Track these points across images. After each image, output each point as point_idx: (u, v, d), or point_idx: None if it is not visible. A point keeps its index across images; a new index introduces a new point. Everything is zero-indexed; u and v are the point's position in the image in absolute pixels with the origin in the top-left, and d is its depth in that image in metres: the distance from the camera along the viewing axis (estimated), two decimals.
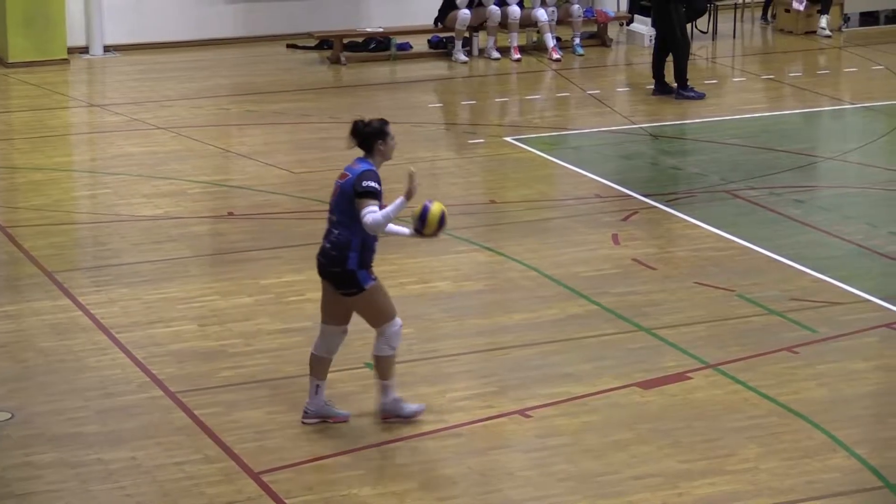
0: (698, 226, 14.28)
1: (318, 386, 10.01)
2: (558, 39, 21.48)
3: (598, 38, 22.26)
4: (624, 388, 10.63)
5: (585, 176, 15.93)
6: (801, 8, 22.51)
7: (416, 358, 11.09)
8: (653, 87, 19.31)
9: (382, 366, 9.96)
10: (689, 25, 19.65)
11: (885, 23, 23.27)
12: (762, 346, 11.38)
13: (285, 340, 11.44)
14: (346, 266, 9.71)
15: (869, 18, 23.29)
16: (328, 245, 9.80)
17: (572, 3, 21.61)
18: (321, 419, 10.02)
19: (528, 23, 21.48)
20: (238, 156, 16.76)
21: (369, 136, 10.05)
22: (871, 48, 21.76)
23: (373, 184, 9.72)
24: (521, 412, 10.16)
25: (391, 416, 10.03)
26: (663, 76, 19.18)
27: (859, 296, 12.43)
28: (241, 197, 15.29)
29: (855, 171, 16.29)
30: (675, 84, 19.07)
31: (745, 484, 9.15)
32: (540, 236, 14.05)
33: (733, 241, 13.81)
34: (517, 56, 21.22)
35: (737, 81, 20.33)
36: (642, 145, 17.35)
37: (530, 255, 13.42)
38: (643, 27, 21.45)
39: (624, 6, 22.57)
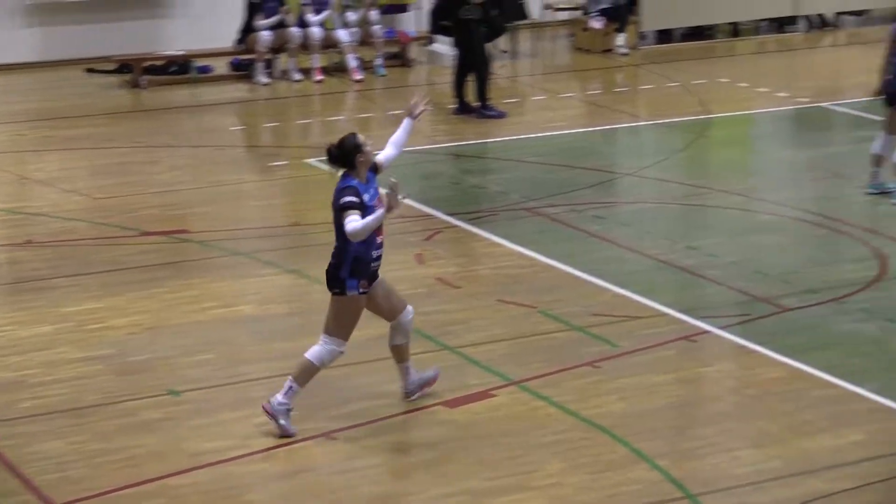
0: (500, 244, 14.40)
1: (406, 367, 10.71)
2: (360, 60, 21.54)
3: (400, 59, 22.39)
4: (430, 407, 10.67)
5: None
6: (599, 26, 22.84)
7: (219, 383, 11.02)
8: (455, 106, 19.44)
9: (306, 372, 10.31)
10: (489, 44, 19.79)
11: (681, 40, 23.71)
12: (565, 361, 11.50)
13: (86, 369, 11.28)
14: (339, 273, 10.31)
15: (664, 36, 23.74)
16: (332, 260, 10.45)
17: (373, 24, 21.69)
18: (420, 388, 10.74)
19: (329, 44, 21.53)
20: (35, 182, 16.52)
21: (347, 154, 10.55)
22: (667, 65, 22.15)
23: (350, 198, 10.19)
24: (327, 434, 10.16)
25: (270, 415, 10.18)
26: (465, 95, 19.33)
27: (658, 309, 12.63)
28: (40, 224, 15.07)
29: (653, 186, 16.57)
30: (477, 103, 19.23)
31: (549, 499, 9.24)
32: None
33: (535, 259, 13.95)
34: (319, 77, 21.25)
35: (537, 100, 20.55)
36: (445, 164, 17.47)
37: None
38: (444, 47, 21.58)
39: (425, 26, 22.70)
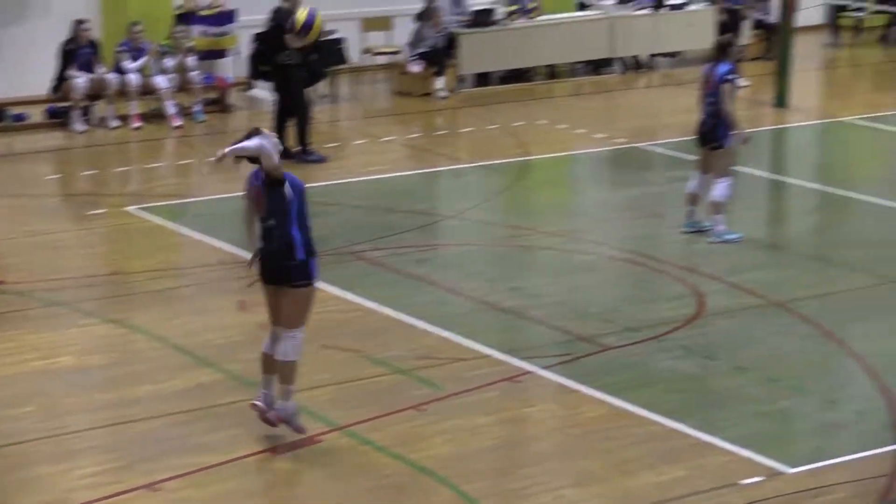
0: (324, 289, 14.28)
1: (271, 380, 10.76)
2: (179, 106, 21.41)
3: (220, 104, 22.29)
4: (256, 454, 10.60)
5: (211, 244, 15.88)
6: (418, 70, 22.97)
7: (38, 437, 10.83)
8: None
9: (290, 371, 10.62)
10: (308, 89, 19.78)
11: (499, 83, 23.91)
12: (390, 405, 11.50)
13: None
14: (293, 259, 10.54)
15: (483, 79, 23.92)
16: (274, 247, 10.47)
17: (191, 70, 21.58)
18: (281, 421, 10.69)
19: (147, 90, 21.36)
20: None
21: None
22: (487, 108, 22.33)
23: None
24: (150, 486, 10.02)
25: (282, 422, 10.62)
26: (285, 140, 19.27)
27: (482, 351, 12.68)
28: None
29: (475, 228, 16.67)
30: (298, 148, 19.21)
31: None
32: (166, 306, 13.93)
33: (359, 303, 13.94)
34: (137, 124, 21.08)
35: (358, 144, 20.58)
36: None
37: (157, 325, 13.29)
38: (264, 92, 21.54)
39: (244, 71, 22.62)
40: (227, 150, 10.23)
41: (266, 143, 10.15)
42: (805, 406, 11.75)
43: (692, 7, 25.09)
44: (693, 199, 15.89)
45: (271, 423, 10.78)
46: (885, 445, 10.88)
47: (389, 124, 21.86)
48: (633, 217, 17.11)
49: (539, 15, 24.20)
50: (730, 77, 15.47)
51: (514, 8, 24.05)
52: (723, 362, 12.55)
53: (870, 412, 11.49)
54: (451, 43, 23.31)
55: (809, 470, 10.50)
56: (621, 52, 24.68)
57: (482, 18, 23.60)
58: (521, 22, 23.93)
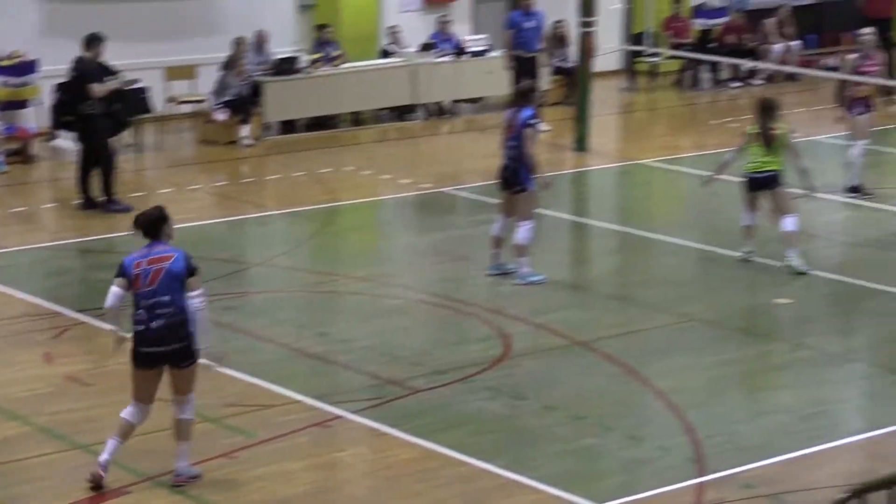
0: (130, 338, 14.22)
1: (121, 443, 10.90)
2: None
3: (22, 155, 21.96)
4: None
5: (14, 295, 15.62)
6: (223, 118, 22.90)
7: None
8: (80, 201, 19.18)
9: (187, 429, 10.87)
10: (112, 139, 19.59)
11: (305, 130, 23.92)
12: (200, 454, 11.38)
13: None
14: (192, 340, 10.77)
15: (288, 126, 23.90)
16: (164, 327, 10.59)
17: None
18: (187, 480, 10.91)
19: None
20: None
21: (155, 222, 10.80)
22: (293, 155, 22.31)
23: (196, 265, 10.87)
24: None
25: (185, 480, 10.84)
26: (90, 190, 19.11)
27: (292, 397, 12.65)
28: None
29: (283, 275, 16.65)
30: (103, 198, 19.03)
31: None
32: None
33: None
34: None
35: (164, 192, 20.38)
36: (72, 261, 17.21)
37: None
38: (67, 142, 21.28)
39: (46, 122, 22.31)
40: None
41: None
42: (610, 443, 11.91)
43: (492, 54, 25.34)
44: (497, 243, 16.05)
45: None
46: (688, 479, 11.09)
47: (195, 173, 21.74)
48: (439, 261, 17.22)
49: (343, 62, 24.27)
50: (532, 122, 15.68)
51: (317, 56, 24.10)
52: (530, 402, 12.68)
53: (673, 447, 11.70)
54: (255, 91, 23.28)
55: None
56: (424, 99, 24.86)
57: (286, 67, 23.60)
58: (325, 70, 23.98)
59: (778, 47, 27.61)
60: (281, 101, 23.48)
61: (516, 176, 15.78)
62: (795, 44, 28.10)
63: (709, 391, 12.99)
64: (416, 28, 25.44)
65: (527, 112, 15.70)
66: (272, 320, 14.87)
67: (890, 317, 15.23)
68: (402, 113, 25.01)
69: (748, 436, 11.93)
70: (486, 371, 13.37)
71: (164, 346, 10.68)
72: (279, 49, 24.04)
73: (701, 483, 11.03)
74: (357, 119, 24.71)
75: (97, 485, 10.71)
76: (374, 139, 23.96)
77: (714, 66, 26.85)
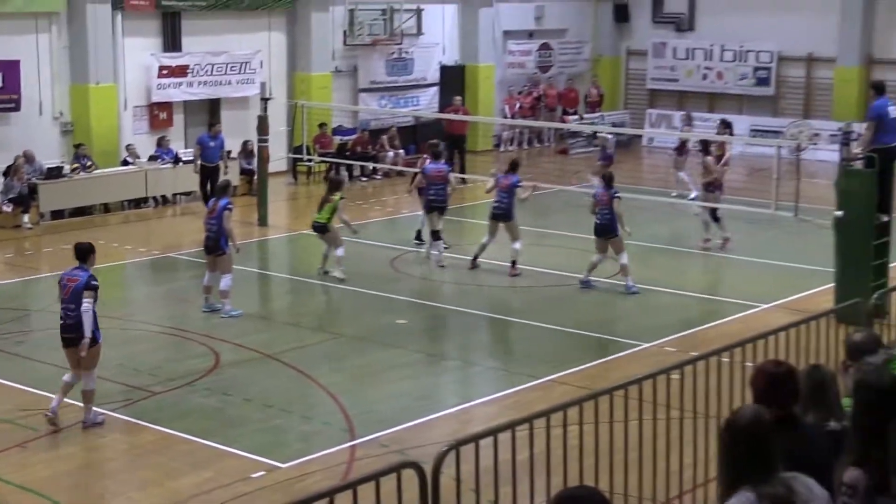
0: None
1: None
2: None
3: None
4: None
5: None
6: (9, 210, 21.86)
7: None
8: None
9: (91, 396, 11.38)
10: None
11: (71, 216, 23.00)
12: (1, 444, 10.87)
13: None
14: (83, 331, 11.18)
15: (58, 214, 22.93)
16: (72, 323, 11.22)
17: None
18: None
19: None
20: None
21: (86, 252, 11.48)
22: (61, 234, 21.35)
23: (95, 282, 11.34)
24: None
25: (91, 425, 11.32)
26: None
27: (67, 402, 12.03)
28: None
29: (57, 317, 15.90)
30: None
31: None
32: None
33: None
34: None
35: None
36: None
37: None
38: None
39: None
40: None
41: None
42: (291, 422, 11.84)
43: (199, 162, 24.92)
44: (207, 290, 15.78)
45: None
46: (344, 443, 11.12)
47: None
48: (168, 303, 16.84)
49: (95, 169, 23.47)
50: (229, 207, 15.50)
51: (76, 165, 23.24)
52: (234, 397, 12.51)
53: (333, 422, 11.72)
54: (32, 190, 22.26)
55: (295, 464, 10.60)
56: (153, 193, 24.23)
57: (54, 173, 22.69)
58: (82, 174, 23.13)
59: (390, 154, 28.02)
60: (52, 196, 22.55)
61: (217, 243, 15.55)
62: (401, 152, 28.56)
63: (355, 383, 13.06)
64: (145, 144, 24.83)
65: (224, 200, 15.55)
66: (50, 349, 14.13)
67: (468, 328, 15.60)
68: (138, 203, 24.31)
69: (383, 412, 12.04)
70: (203, 377, 13.14)
71: (72, 336, 11.40)
72: (48, 161, 23.09)
73: (353, 445, 11.07)
74: (107, 208, 23.87)
75: (54, 423, 11.24)
76: (119, 221, 23.16)
77: (349, 167, 27.09)
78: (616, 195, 16.95)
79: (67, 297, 11.28)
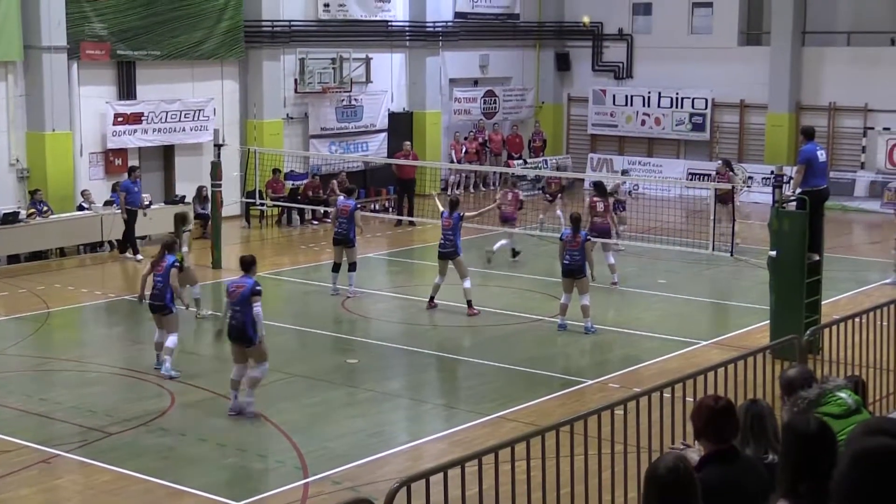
0: None
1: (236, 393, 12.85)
2: None
3: None
4: None
5: None
6: None
7: None
8: None
9: (256, 382, 12.94)
10: None
11: (26, 261, 22.71)
12: None
13: None
14: (249, 332, 12.73)
15: (14, 258, 22.63)
16: (236, 324, 12.79)
17: None
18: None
19: None
20: None
21: (250, 264, 13.18)
22: (17, 278, 21.10)
23: (259, 287, 12.96)
24: None
25: (247, 412, 12.75)
26: None
27: (22, 443, 11.96)
28: None
29: (13, 360, 15.67)
30: None
31: None
32: None
33: None
34: None
35: None
36: None
37: None
38: None
39: None
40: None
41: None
42: (244, 460, 11.74)
43: (154, 206, 24.81)
44: (158, 346, 14.80)
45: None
46: (297, 481, 11.02)
47: None
48: (123, 345, 16.64)
49: (51, 214, 23.23)
50: (176, 264, 14.84)
51: (32, 211, 23.00)
52: (189, 436, 12.36)
53: (286, 460, 11.62)
54: None
55: (250, 502, 10.50)
56: (108, 237, 24.01)
57: (10, 218, 22.43)
58: (38, 219, 22.88)
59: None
60: (7, 241, 22.27)
61: (163, 301, 14.71)
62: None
63: (308, 421, 12.96)
64: (101, 190, 24.63)
65: (171, 258, 14.85)
66: (6, 392, 14.02)
67: (419, 367, 15.58)
68: (94, 247, 24.07)
69: (335, 449, 11.96)
70: (158, 417, 12.97)
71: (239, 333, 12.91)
72: (4, 206, 22.84)
73: (306, 482, 10.97)
74: (63, 252, 23.61)
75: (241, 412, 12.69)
76: (75, 265, 22.92)
77: (301, 211, 27.02)
78: (587, 238, 17.02)
79: (235, 300, 12.73)
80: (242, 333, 12.82)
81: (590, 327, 16.67)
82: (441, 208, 18.78)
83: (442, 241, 18.21)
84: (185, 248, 16.91)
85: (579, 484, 8.10)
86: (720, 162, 24.96)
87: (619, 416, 8.39)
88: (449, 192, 31.60)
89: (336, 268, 19.27)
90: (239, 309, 12.75)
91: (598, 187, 21.12)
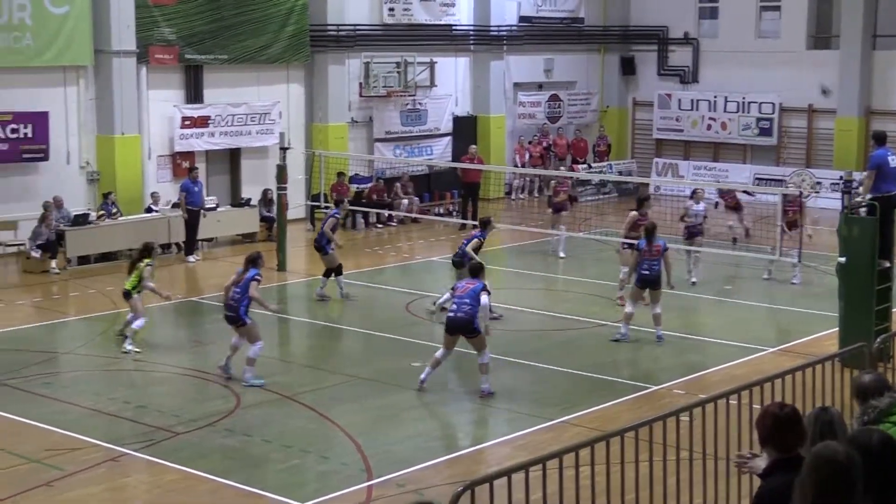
0: None
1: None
2: None
3: None
4: None
5: None
6: (38, 256, 21.97)
7: None
8: None
9: (486, 368, 13.86)
10: None
11: (95, 262, 23.10)
12: (27, 484, 10.85)
13: None
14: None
15: (84, 260, 23.01)
16: (463, 315, 13.75)
17: None
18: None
19: None
20: None
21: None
22: (87, 279, 21.50)
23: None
24: None
25: (487, 394, 13.82)
26: None
27: (91, 442, 12.17)
28: None
29: (83, 359, 15.95)
30: None
31: None
32: None
33: (2, 416, 13.09)
34: None
35: None
36: None
37: None
38: None
39: None
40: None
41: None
42: (309, 462, 11.82)
43: (221, 209, 25.09)
44: (233, 349, 14.80)
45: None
46: (362, 483, 11.08)
47: (20, 293, 20.64)
48: (190, 346, 16.84)
49: (120, 216, 23.61)
50: (257, 278, 14.82)
51: (102, 212, 23.38)
52: (254, 438, 12.49)
53: (350, 462, 11.68)
54: (60, 236, 22.40)
55: (315, 503, 10.55)
56: (175, 239, 24.31)
57: (81, 220, 22.82)
58: (108, 221, 23.28)
59: (405, 202, 28.11)
60: (78, 243, 22.67)
61: (236, 313, 14.54)
62: (416, 199, 28.68)
63: (372, 423, 13.02)
64: (168, 192, 24.95)
65: (253, 272, 14.69)
66: (76, 391, 14.26)
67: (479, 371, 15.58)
68: (161, 248, 24.37)
69: (399, 452, 12.00)
70: (224, 418, 13.11)
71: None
72: (75, 208, 23.26)
73: (370, 485, 11.03)
74: (131, 254, 23.93)
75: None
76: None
77: (365, 214, 27.18)
78: (667, 248, 16.90)
79: (464, 294, 13.78)
80: (467, 325, 13.78)
81: (661, 335, 16.55)
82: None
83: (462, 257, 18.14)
84: (150, 283, 16.35)
85: (644, 490, 8.05)
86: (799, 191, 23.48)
87: (685, 422, 8.33)
88: (513, 196, 31.60)
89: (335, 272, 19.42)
90: (469, 301, 13.78)
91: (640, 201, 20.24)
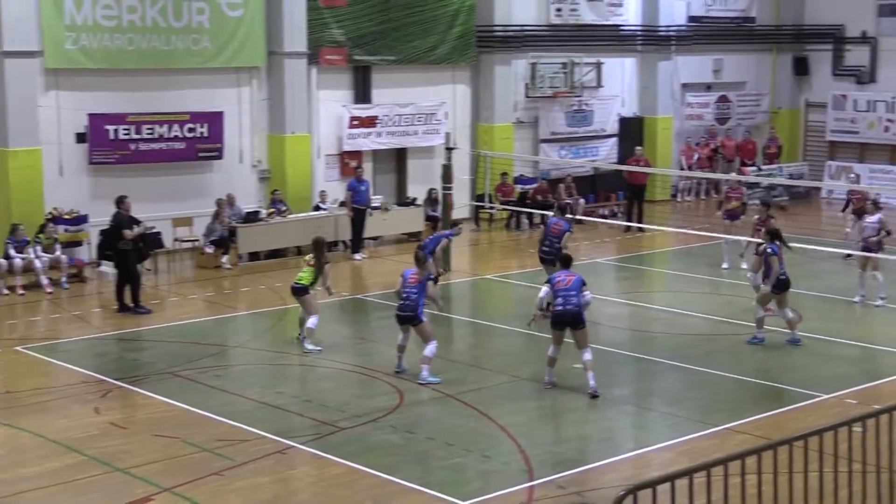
0: (153, 397, 13.98)
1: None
2: (49, 279, 20.62)
3: (78, 277, 21.51)
4: None
5: (73, 369, 15.28)
6: (211, 251, 22.71)
7: None
8: (116, 307, 18.89)
9: (590, 364, 13.96)
10: (139, 265, 19.37)
11: (266, 258, 23.73)
12: (200, 472, 11.21)
13: None
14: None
15: (254, 256, 23.70)
16: (571, 308, 13.89)
17: (59, 255, 20.92)
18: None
19: (28, 269, 20.54)
20: None
21: (569, 259, 14.83)
22: (257, 275, 22.12)
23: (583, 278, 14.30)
24: None
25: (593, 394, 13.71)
26: (123, 299, 18.84)
27: (259, 434, 12.48)
28: None
29: (251, 354, 16.42)
30: (132, 304, 18.77)
31: None
32: (43, 413, 13.34)
33: (177, 405, 13.58)
34: (21, 292, 20.22)
35: (173, 300, 20.12)
36: (112, 346, 16.84)
37: (38, 426, 12.73)
38: (108, 268, 20.94)
39: (94, 255, 21.94)
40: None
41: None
42: (470, 460, 11.85)
43: (392, 209, 25.47)
44: (401, 349, 14.95)
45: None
46: (523, 483, 11.07)
47: (192, 287, 21.38)
48: (356, 343, 17.12)
49: (289, 213, 24.22)
50: (432, 278, 14.78)
51: (272, 210, 24.02)
52: (418, 435, 12.60)
53: (512, 462, 11.68)
54: (232, 233, 23.11)
55: (476, 502, 10.60)
56: (342, 237, 24.79)
57: (251, 217, 23.49)
58: (277, 218, 23.89)
59: (581, 201, 28.10)
60: (249, 239, 23.34)
61: (415, 313, 14.60)
62: (581, 200, 28.53)
63: (534, 423, 13.00)
64: (336, 191, 25.46)
65: (429, 275, 15.16)
66: (245, 384, 14.66)
67: (646, 374, 15.37)
68: (329, 246, 24.84)
69: (560, 453, 11.94)
70: (388, 415, 13.28)
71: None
72: (247, 206, 23.94)
73: (532, 485, 11.01)
74: (299, 250, 24.49)
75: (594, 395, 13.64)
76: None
77: (529, 214, 27.17)
78: (776, 253, 16.51)
79: (568, 286, 13.90)
80: (575, 318, 13.94)
81: (798, 338, 16.34)
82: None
83: (546, 247, 18.58)
84: (328, 282, 16.48)
85: (813, 501, 7.80)
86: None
87: (857, 433, 8.04)
88: (679, 199, 31.08)
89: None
90: (574, 293, 13.98)
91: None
